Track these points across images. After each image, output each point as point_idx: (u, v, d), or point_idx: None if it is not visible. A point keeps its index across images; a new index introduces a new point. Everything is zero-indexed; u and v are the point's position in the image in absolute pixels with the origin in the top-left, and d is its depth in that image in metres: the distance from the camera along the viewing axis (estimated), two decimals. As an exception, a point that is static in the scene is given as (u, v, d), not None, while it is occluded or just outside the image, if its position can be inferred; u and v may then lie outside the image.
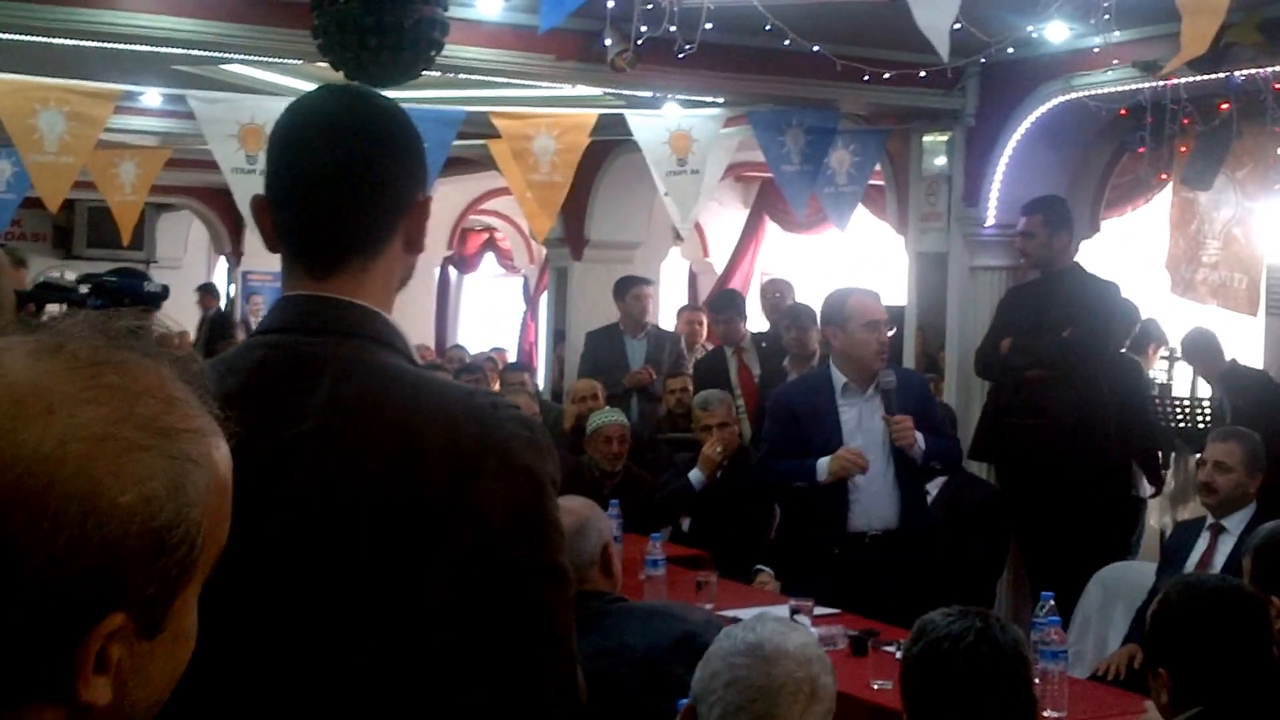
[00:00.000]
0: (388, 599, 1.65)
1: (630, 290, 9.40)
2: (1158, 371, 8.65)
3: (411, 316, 14.06)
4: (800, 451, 5.60)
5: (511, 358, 13.26)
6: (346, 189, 1.78)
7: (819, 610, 5.24)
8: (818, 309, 8.79)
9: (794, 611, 5.05)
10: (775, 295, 9.62)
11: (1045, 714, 4.11)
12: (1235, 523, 5.18)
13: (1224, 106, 6.00)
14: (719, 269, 13.34)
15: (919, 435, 5.46)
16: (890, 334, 5.68)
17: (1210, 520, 5.27)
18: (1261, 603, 3.10)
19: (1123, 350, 7.38)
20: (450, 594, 1.65)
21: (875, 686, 4.29)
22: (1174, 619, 3.10)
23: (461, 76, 7.25)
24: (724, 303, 9.17)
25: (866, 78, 7.00)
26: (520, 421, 1.75)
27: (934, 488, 6.05)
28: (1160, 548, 5.58)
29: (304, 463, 1.68)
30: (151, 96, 8.85)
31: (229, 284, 16.83)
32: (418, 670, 1.65)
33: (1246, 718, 2.96)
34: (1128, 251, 9.22)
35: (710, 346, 10.48)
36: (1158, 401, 7.57)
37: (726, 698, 2.38)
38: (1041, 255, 6.90)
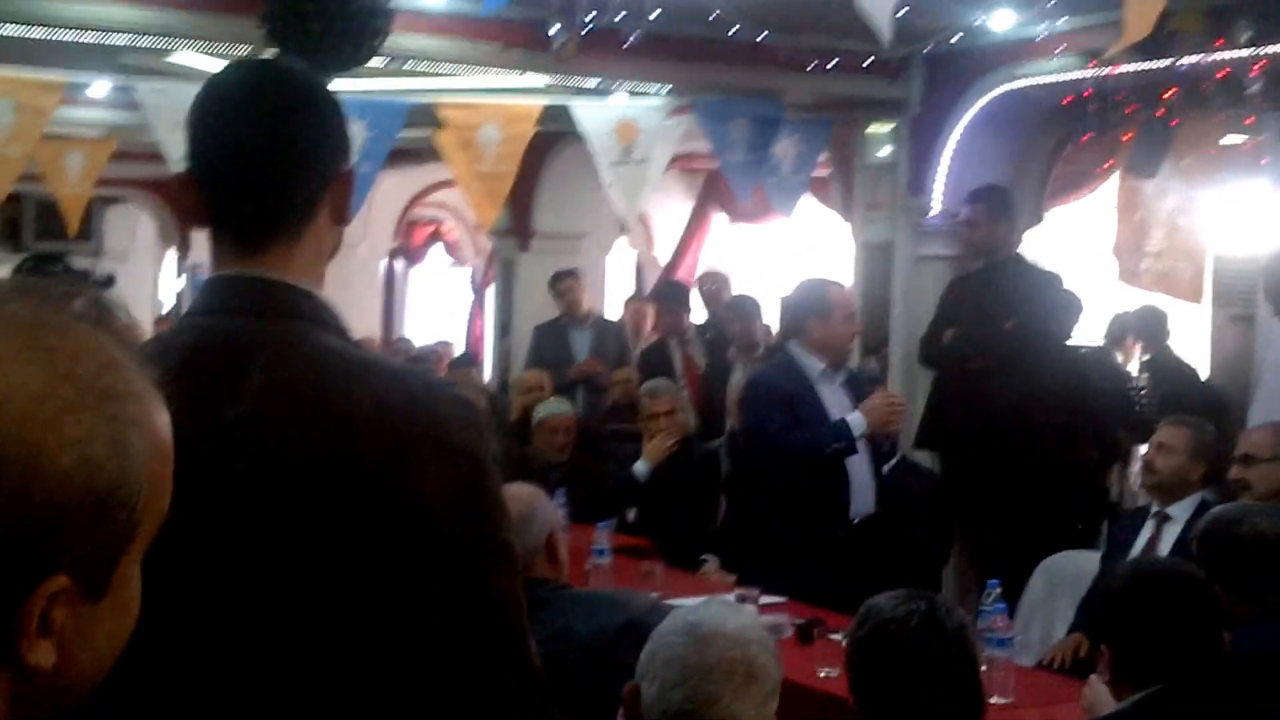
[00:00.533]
0: (327, 584, 1.62)
1: (558, 284, 9.42)
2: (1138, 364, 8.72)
3: (358, 309, 13.94)
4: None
5: (459, 350, 13.19)
6: (268, 162, 1.75)
7: (765, 599, 5.25)
8: (761, 300, 8.89)
9: (740, 599, 5.06)
10: (712, 287, 9.63)
11: (992, 700, 4.11)
12: (1180, 510, 5.20)
13: (1168, 94, 6.03)
14: (665, 260, 13.32)
15: None
16: None
17: (1155, 509, 5.30)
18: (1207, 585, 3.11)
19: (1081, 342, 7.44)
20: (394, 577, 1.63)
21: (822, 674, 4.30)
22: (1118, 597, 3.13)
23: (407, 66, 7.20)
24: (668, 294, 9.18)
25: (812, 66, 7.00)
26: (456, 401, 1.74)
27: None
28: (1106, 537, 5.61)
29: (238, 448, 1.64)
30: (98, 88, 8.76)
31: (178, 275, 16.68)
32: (363, 656, 1.62)
33: (1191, 698, 2.97)
34: (1073, 241, 9.27)
35: (656, 337, 10.48)
36: (1139, 393, 7.60)
37: (663, 675, 2.39)
38: (984, 244, 6.94)
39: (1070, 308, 6.85)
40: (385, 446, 1.64)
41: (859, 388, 5.71)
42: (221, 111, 1.77)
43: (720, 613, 2.47)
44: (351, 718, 1.62)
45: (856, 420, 5.49)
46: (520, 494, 3.75)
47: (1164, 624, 3.01)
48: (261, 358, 1.69)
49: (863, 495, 5.63)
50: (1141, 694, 3.01)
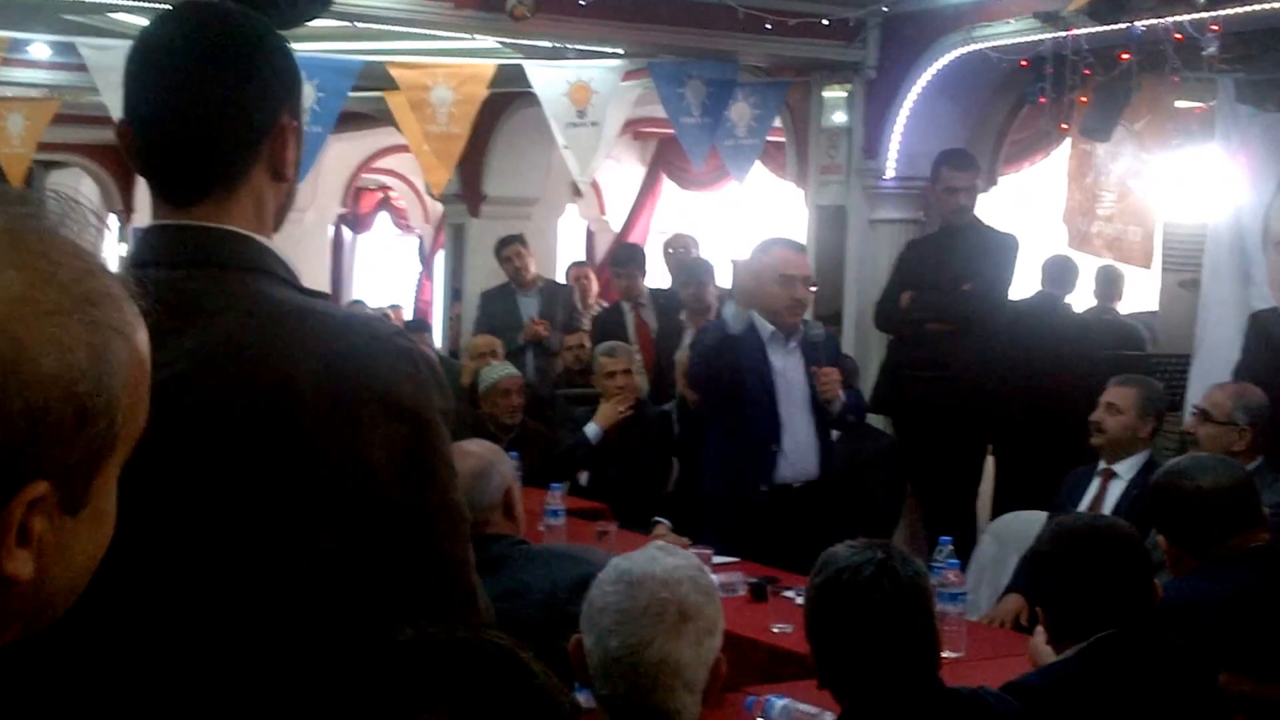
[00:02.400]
0: (268, 546, 1.58)
1: (504, 250, 9.37)
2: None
3: (305, 276, 13.67)
4: (729, 385, 5.62)
5: (408, 316, 13.13)
6: (200, 111, 1.68)
7: (718, 559, 5.25)
8: (715, 264, 8.87)
9: (693, 560, 5.05)
10: (680, 250, 9.57)
11: (943, 655, 4.14)
12: (1126, 468, 5.27)
13: (1124, 57, 6.05)
14: (616, 227, 13.31)
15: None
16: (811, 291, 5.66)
17: (1102, 465, 5.34)
18: (1134, 539, 3.14)
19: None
20: (340, 541, 1.59)
21: (775, 630, 4.32)
22: (1045, 559, 3.17)
23: (360, 27, 7.12)
24: (624, 257, 9.13)
25: (769, 26, 6.98)
26: (404, 355, 1.67)
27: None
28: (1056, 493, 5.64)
29: (172, 409, 1.52)
30: (40, 48, 8.64)
31: (119, 240, 16.49)
32: (307, 617, 1.58)
33: (1125, 652, 3.00)
34: (1026, 206, 9.32)
35: (604, 303, 10.45)
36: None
37: (600, 623, 2.39)
38: (968, 207, 6.96)
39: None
40: (329, 409, 1.58)
41: (812, 353, 5.58)
42: (155, 57, 1.71)
43: (651, 557, 2.45)
44: (294, 686, 1.56)
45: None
46: (477, 450, 3.75)
47: (1090, 580, 3.03)
48: (197, 313, 1.62)
49: (800, 463, 5.58)
50: (1081, 644, 3.03)
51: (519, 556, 3.59)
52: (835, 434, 6.00)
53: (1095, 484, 5.34)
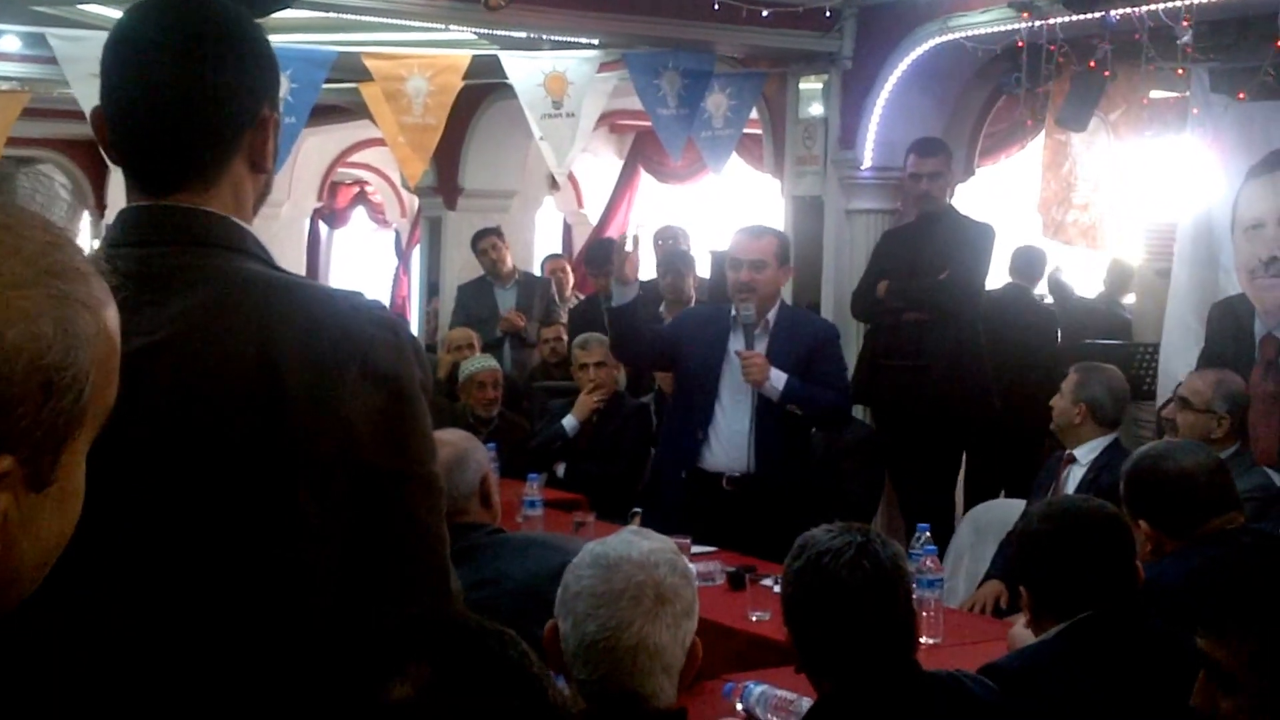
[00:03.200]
0: (247, 511, 1.58)
1: (479, 243, 9.35)
2: None
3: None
4: (670, 346, 5.71)
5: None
6: (179, 104, 1.67)
7: (697, 548, 5.25)
8: (693, 256, 8.86)
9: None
10: (669, 240, 9.52)
11: (921, 641, 4.15)
12: (1085, 452, 5.30)
13: (1099, 46, 6.07)
14: (593, 220, 13.30)
15: (776, 375, 5.44)
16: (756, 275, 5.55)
17: (1066, 451, 5.39)
18: (1118, 520, 3.16)
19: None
20: (317, 505, 1.59)
21: (754, 618, 4.33)
22: (1030, 538, 3.18)
23: (334, 17, 7.10)
24: (598, 255, 9.04)
25: (745, 14, 6.98)
26: (384, 324, 1.68)
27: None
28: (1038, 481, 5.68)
29: (152, 377, 1.56)
30: (9, 40, 8.57)
31: (92, 238, 16.40)
32: (285, 584, 1.58)
33: (1106, 634, 3.01)
34: (1004, 196, 9.35)
35: (580, 296, 10.44)
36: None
37: (576, 608, 2.38)
38: (942, 195, 6.97)
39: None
40: (308, 373, 1.59)
41: (777, 342, 5.56)
42: (133, 48, 1.70)
43: (626, 541, 2.45)
44: (269, 651, 1.57)
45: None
46: (452, 438, 3.73)
47: (1077, 559, 3.05)
48: (176, 285, 1.62)
49: (730, 451, 5.54)
50: (1063, 625, 3.05)
51: (496, 545, 3.57)
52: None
53: (1065, 472, 5.38)
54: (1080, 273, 9.66)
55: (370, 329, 1.65)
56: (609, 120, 12.19)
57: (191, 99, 1.67)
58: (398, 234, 15.77)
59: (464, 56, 7.45)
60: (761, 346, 5.54)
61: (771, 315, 5.61)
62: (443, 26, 7.22)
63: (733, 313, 5.54)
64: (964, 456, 7.17)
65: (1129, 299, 8.95)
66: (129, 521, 1.56)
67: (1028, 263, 8.62)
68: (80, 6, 7.46)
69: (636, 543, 2.45)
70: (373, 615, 1.37)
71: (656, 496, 5.81)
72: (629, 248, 5.61)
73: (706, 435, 5.56)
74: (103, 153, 1.76)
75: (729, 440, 5.55)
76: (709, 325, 5.65)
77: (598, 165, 13.42)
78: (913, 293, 6.76)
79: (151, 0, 1.74)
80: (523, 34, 7.46)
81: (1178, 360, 6.20)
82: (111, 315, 1.04)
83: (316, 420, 1.59)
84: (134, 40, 1.70)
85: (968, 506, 6.70)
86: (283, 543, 1.59)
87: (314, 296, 1.67)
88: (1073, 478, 5.25)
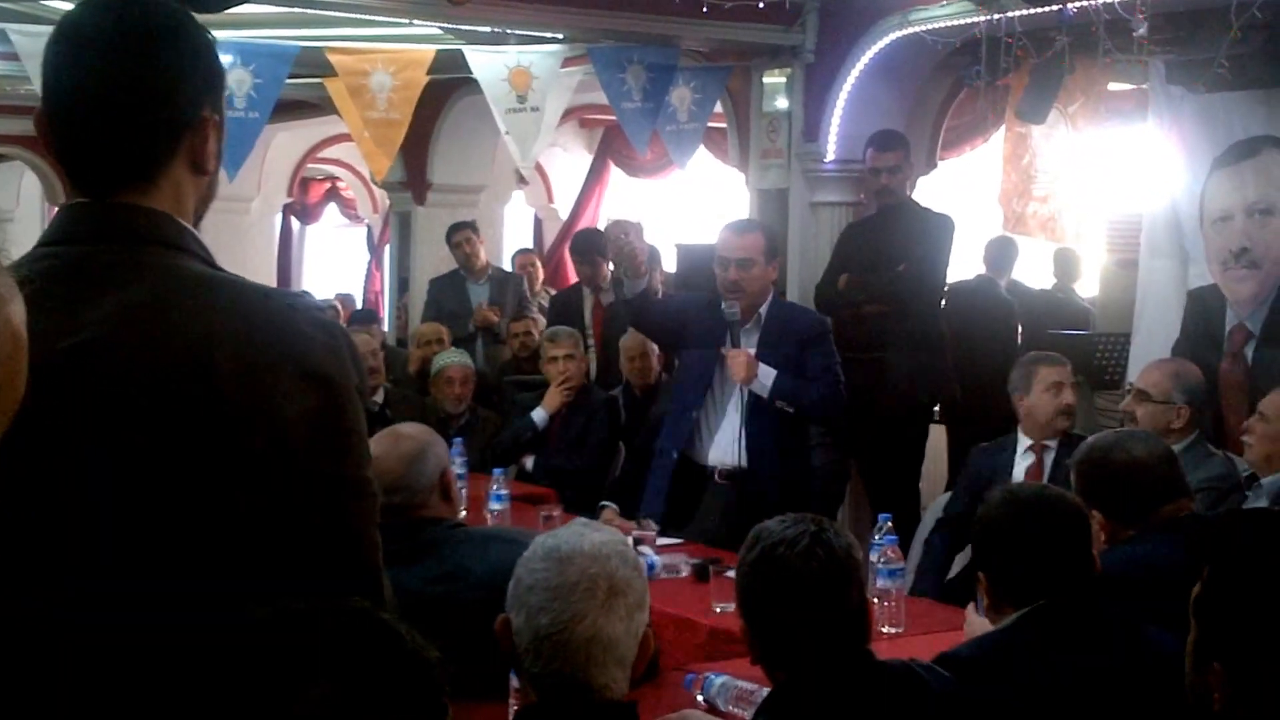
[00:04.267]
0: (179, 510, 1.57)
1: (454, 236, 9.34)
2: None
3: (253, 268, 13.77)
4: (679, 327, 5.73)
5: (359, 307, 13.09)
6: (116, 103, 1.67)
7: (662, 540, 5.27)
8: (660, 250, 8.88)
9: (637, 542, 5.08)
10: (621, 236, 9.53)
11: (883, 630, 4.17)
12: (1053, 440, 5.35)
13: (1057, 38, 6.11)
14: (564, 215, 13.30)
15: (764, 372, 5.46)
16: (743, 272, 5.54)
17: (1029, 443, 5.42)
18: (1078, 509, 3.17)
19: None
20: (251, 506, 1.58)
21: (718, 610, 4.33)
22: (994, 524, 3.17)
23: (299, 12, 7.09)
24: (583, 244, 9.02)
25: (707, 9, 7.00)
26: (321, 325, 1.68)
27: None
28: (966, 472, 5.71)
29: (84, 374, 1.57)
30: (-28, 38, 8.52)
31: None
32: (216, 584, 1.57)
33: (1061, 622, 3.03)
34: (966, 189, 9.39)
35: (550, 290, 10.44)
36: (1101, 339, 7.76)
37: (528, 602, 2.37)
38: (901, 188, 6.99)
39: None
40: (243, 372, 1.58)
41: (768, 337, 5.57)
42: (71, 46, 1.69)
43: (578, 532, 2.44)
44: (197, 656, 1.55)
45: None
46: (411, 432, 3.73)
47: (1035, 547, 3.06)
48: (112, 282, 1.62)
49: (723, 445, 5.55)
50: (1021, 611, 3.06)
51: (457, 540, 3.57)
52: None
53: (1026, 461, 5.42)
54: (1031, 265, 9.73)
55: (308, 330, 1.65)
56: (578, 115, 12.20)
57: (129, 97, 1.67)
58: (370, 229, 15.74)
59: (428, 51, 7.45)
60: (752, 342, 5.53)
61: (763, 310, 5.60)
62: (407, 21, 7.22)
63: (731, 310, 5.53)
64: (927, 446, 7.22)
65: (1079, 287, 9.04)
66: (56, 517, 1.56)
67: (1000, 254, 8.69)
68: (42, 1, 7.42)
69: (588, 535, 2.44)
70: (280, 612, 1.38)
71: (645, 477, 5.80)
72: (631, 241, 5.64)
73: (701, 427, 5.58)
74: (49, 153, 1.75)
75: (721, 434, 5.57)
76: (708, 315, 5.62)
77: (568, 160, 13.42)
78: (872, 285, 6.79)
79: (92, 1, 1.74)
80: (487, 29, 7.45)
81: (1151, 352, 6.22)
82: (17, 310, 1.04)
83: (251, 420, 1.58)
84: (73, 38, 1.69)
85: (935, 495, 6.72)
86: (215, 543, 1.58)
87: (251, 296, 1.66)
88: (1046, 465, 5.30)
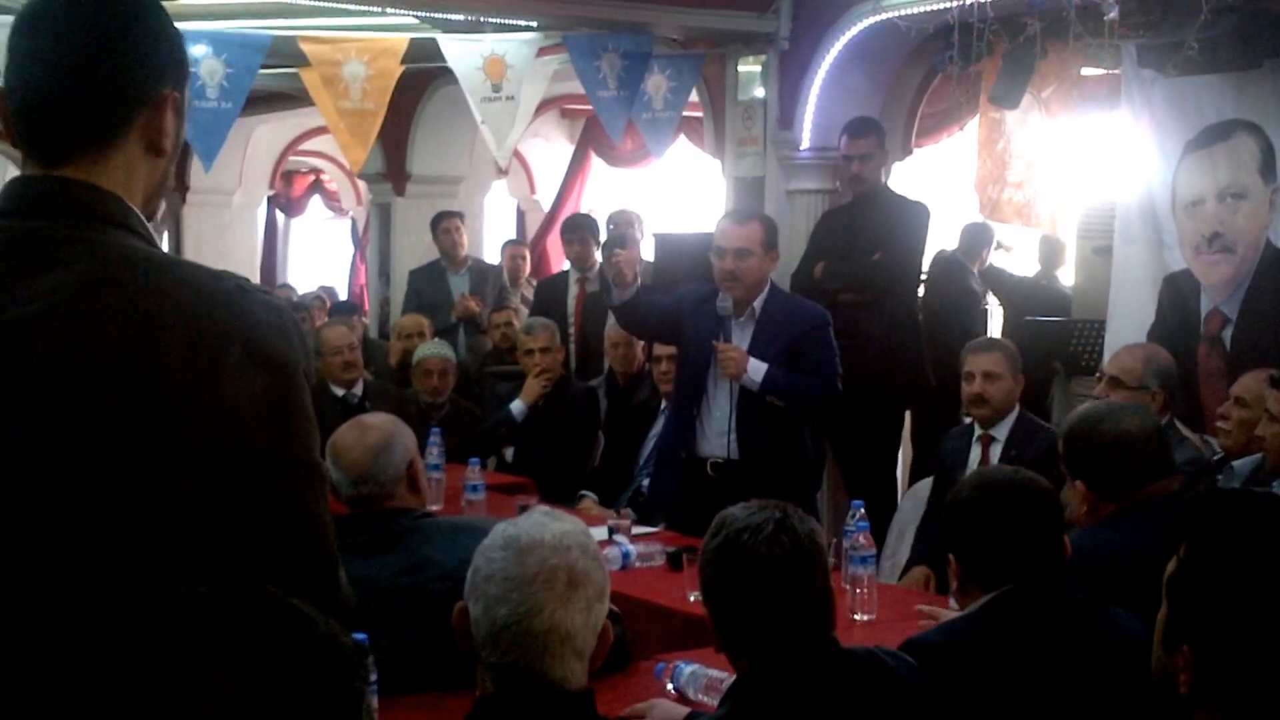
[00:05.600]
0: (118, 493, 1.55)
1: (439, 225, 9.35)
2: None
3: (236, 260, 13.73)
4: (674, 321, 5.71)
5: (343, 298, 13.07)
6: (72, 73, 1.68)
7: (638, 529, 5.28)
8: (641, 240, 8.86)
9: (612, 530, 5.09)
10: (625, 227, 9.51)
11: (855, 617, 4.18)
12: (1002, 430, 5.36)
13: (1030, 23, 6.10)
14: (546, 205, 13.29)
15: (755, 367, 5.45)
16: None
17: (979, 432, 5.41)
18: (1050, 494, 3.17)
19: None
20: (196, 489, 1.57)
21: (692, 599, 4.33)
22: (964, 506, 3.16)
23: (271, 1, 7.07)
24: (574, 225, 8.99)
25: (680, -1, 7.02)
26: (269, 306, 1.67)
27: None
28: (937, 457, 5.72)
29: (24, 349, 1.56)
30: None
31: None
32: (160, 570, 1.56)
33: (1030, 607, 3.02)
34: (943, 176, 9.39)
35: (534, 281, 10.43)
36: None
37: (487, 591, 2.35)
38: (875, 176, 6.98)
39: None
40: (190, 353, 1.57)
41: (763, 331, 5.58)
42: (33, 24, 1.71)
43: (539, 522, 2.42)
44: (91, 649, 1.53)
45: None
46: (377, 423, 3.73)
47: (1005, 530, 3.05)
48: (56, 258, 1.61)
49: (714, 438, 5.59)
50: (988, 596, 3.06)
51: (425, 530, 3.57)
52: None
53: (976, 449, 5.41)
54: (1015, 254, 9.77)
55: (255, 311, 1.64)
56: (559, 105, 12.19)
57: (84, 68, 1.68)
58: (354, 221, 15.71)
59: (401, 40, 7.42)
60: (747, 335, 5.54)
61: (758, 304, 5.58)
62: (380, 10, 7.20)
63: (724, 302, 5.54)
64: (903, 432, 7.23)
65: (1062, 273, 9.06)
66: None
67: (973, 238, 8.73)
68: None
69: (549, 525, 2.42)
70: (180, 601, 1.37)
71: (657, 478, 5.87)
72: (623, 248, 5.65)
73: (698, 419, 5.58)
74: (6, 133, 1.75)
75: (714, 426, 5.58)
76: (704, 306, 5.62)
77: (550, 150, 13.40)
78: (847, 274, 6.78)
79: None
80: (461, 17, 7.44)
81: (1126, 337, 6.23)
82: None
83: (194, 402, 1.57)
84: (35, 16, 1.71)
85: (911, 481, 6.74)
86: (157, 528, 1.56)
87: (197, 276, 1.66)
88: (994, 457, 5.29)
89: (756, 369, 5.43)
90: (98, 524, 1.56)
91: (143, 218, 1.72)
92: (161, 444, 1.56)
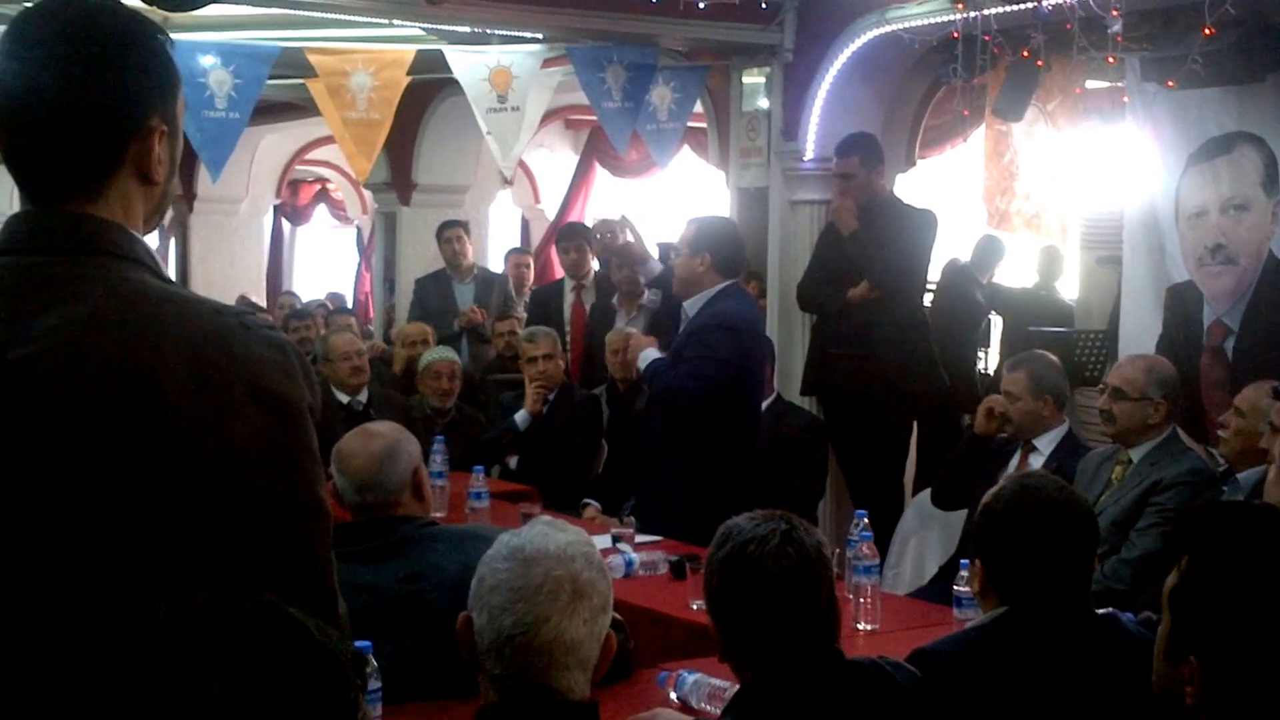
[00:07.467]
0: (122, 530, 1.54)
1: (444, 233, 9.37)
2: None
3: (242, 268, 13.79)
4: None
5: (349, 307, 13.08)
6: (60, 109, 1.64)
7: (641, 538, 5.28)
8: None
9: (616, 539, 5.10)
10: (608, 235, 9.55)
11: (859, 627, 4.17)
12: (1045, 443, 5.33)
13: (1033, 36, 6.12)
14: (551, 215, 13.31)
15: (645, 356, 5.61)
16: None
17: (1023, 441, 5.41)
18: (1088, 514, 3.11)
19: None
20: (199, 528, 1.56)
21: (695, 607, 4.32)
22: (998, 513, 3.10)
23: (280, 14, 7.08)
24: (569, 233, 9.01)
25: (683, 7, 7.02)
26: (273, 343, 1.65)
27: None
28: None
29: (28, 388, 1.55)
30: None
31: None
32: (160, 616, 1.52)
33: (1039, 623, 2.99)
34: (948, 188, 9.41)
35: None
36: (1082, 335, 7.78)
37: (491, 602, 2.34)
38: (863, 194, 6.97)
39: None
40: (193, 390, 1.56)
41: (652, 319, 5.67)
42: (21, 53, 1.66)
43: (543, 533, 2.40)
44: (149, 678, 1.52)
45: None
46: (382, 430, 3.72)
47: (1039, 545, 3.00)
48: (59, 295, 1.59)
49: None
50: (1003, 609, 3.03)
51: (430, 538, 3.55)
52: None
53: (1017, 457, 5.41)
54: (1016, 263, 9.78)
55: (259, 348, 1.63)
56: (564, 115, 12.22)
57: (72, 106, 1.65)
58: (359, 231, 15.73)
59: (408, 51, 7.45)
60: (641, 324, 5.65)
61: (689, 303, 5.61)
62: (387, 22, 7.22)
63: None
64: (913, 442, 7.23)
65: (1061, 285, 9.07)
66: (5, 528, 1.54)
67: (985, 253, 8.72)
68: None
69: (553, 535, 2.41)
70: (178, 610, 1.37)
71: (630, 474, 5.97)
72: (626, 235, 5.69)
73: None
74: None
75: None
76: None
77: (554, 160, 13.44)
78: (856, 261, 6.81)
79: (42, 3, 1.72)
80: (467, 29, 7.46)
81: (1135, 348, 6.23)
82: None
83: (198, 439, 1.56)
84: (18, 44, 1.67)
85: (916, 491, 6.75)
86: (159, 564, 1.55)
87: (204, 312, 1.64)
88: (1033, 467, 5.26)
89: (645, 358, 5.61)
90: (100, 563, 1.55)
91: (146, 245, 1.70)
92: (165, 484, 1.55)
